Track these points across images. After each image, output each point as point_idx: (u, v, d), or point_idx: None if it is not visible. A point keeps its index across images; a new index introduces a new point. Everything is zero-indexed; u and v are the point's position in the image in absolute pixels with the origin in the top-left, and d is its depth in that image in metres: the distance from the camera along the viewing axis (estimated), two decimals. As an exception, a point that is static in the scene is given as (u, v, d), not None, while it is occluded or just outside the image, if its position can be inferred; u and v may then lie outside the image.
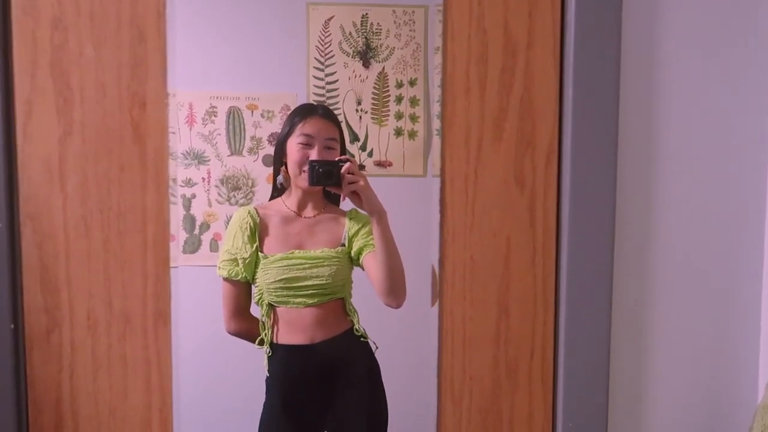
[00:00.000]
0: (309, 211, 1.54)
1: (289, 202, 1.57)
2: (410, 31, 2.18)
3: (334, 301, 1.52)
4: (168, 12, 0.83)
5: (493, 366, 0.87)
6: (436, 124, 2.21)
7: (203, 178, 2.15)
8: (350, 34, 2.16)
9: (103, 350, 0.83)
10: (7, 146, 0.80)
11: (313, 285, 1.48)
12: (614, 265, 0.87)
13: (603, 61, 0.87)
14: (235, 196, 2.13)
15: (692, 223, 0.92)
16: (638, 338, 0.90)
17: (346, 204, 1.49)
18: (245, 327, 1.54)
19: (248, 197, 2.13)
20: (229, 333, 1.54)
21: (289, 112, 1.89)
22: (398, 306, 1.47)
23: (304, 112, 1.57)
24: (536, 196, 0.88)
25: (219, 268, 1.53)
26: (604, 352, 0.86)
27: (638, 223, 0.90)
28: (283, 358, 1.50)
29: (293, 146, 1.51)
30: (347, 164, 1.42)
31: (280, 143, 1.56)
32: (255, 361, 1.59)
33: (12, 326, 0.80)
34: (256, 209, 1.56)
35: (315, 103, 1.95)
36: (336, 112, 1.80)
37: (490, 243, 0.88)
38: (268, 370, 1.51)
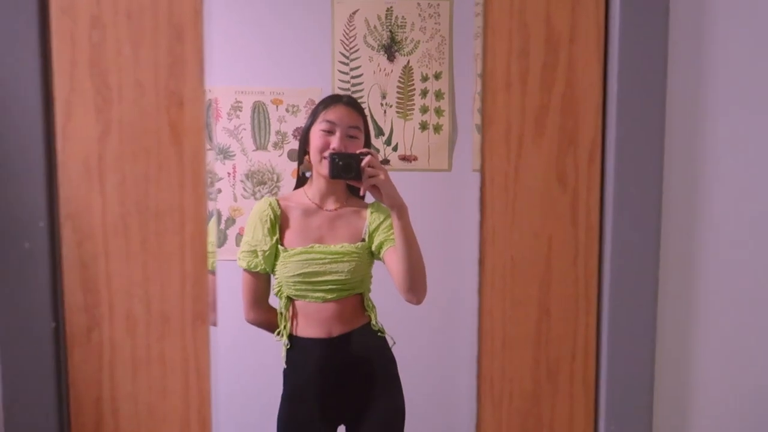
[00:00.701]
0: (331, 204, 1.53)
1: (311, 193, 1.55)
2: (435, 23, 2.16)
3: (353, 297, 1.51)
4: (204, 9, 0.82)
5: (533, 368, 0.86)
6: (461, 118, 2.18)
7: (229, 173, 2.15)
8: (375, 27, 2.14)
9: (142, 349, 0.83)
10: (48, 147, 0.81)
11: (332, 280, 1.47)
12: (659, 266, 0.85)
13: (649, 56, 0.84)
14: (260, 191, 2.13)
15: (743, 223, 0.89)
16: (684, 341, 0.88)
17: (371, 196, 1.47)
18: (264, 317, 1.54)
19: (273, 192, 2.14)
20: (248, 322, 1.55)
21: (313, 107, 1.86)
22: (418, 302, 1.46)
23: (328, 100, 1.56)
24: (579, 194, 0.86)
25: (239, 258, 1.53)
26: (648, 355, 0.84)
27: (685, 223, 0.88)
28: (301, 351, 1.50)
29: (316, 133, 1.50)
30: (368, 157, 1.40)
31: (305, 132, 1.55)
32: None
33: (53, 324, 0.81)
34: (277, 201, 1.55)
35: (341, 93, 1.93)
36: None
37: (531, 243, 0.86)
38: (286, 362, 1.51)
